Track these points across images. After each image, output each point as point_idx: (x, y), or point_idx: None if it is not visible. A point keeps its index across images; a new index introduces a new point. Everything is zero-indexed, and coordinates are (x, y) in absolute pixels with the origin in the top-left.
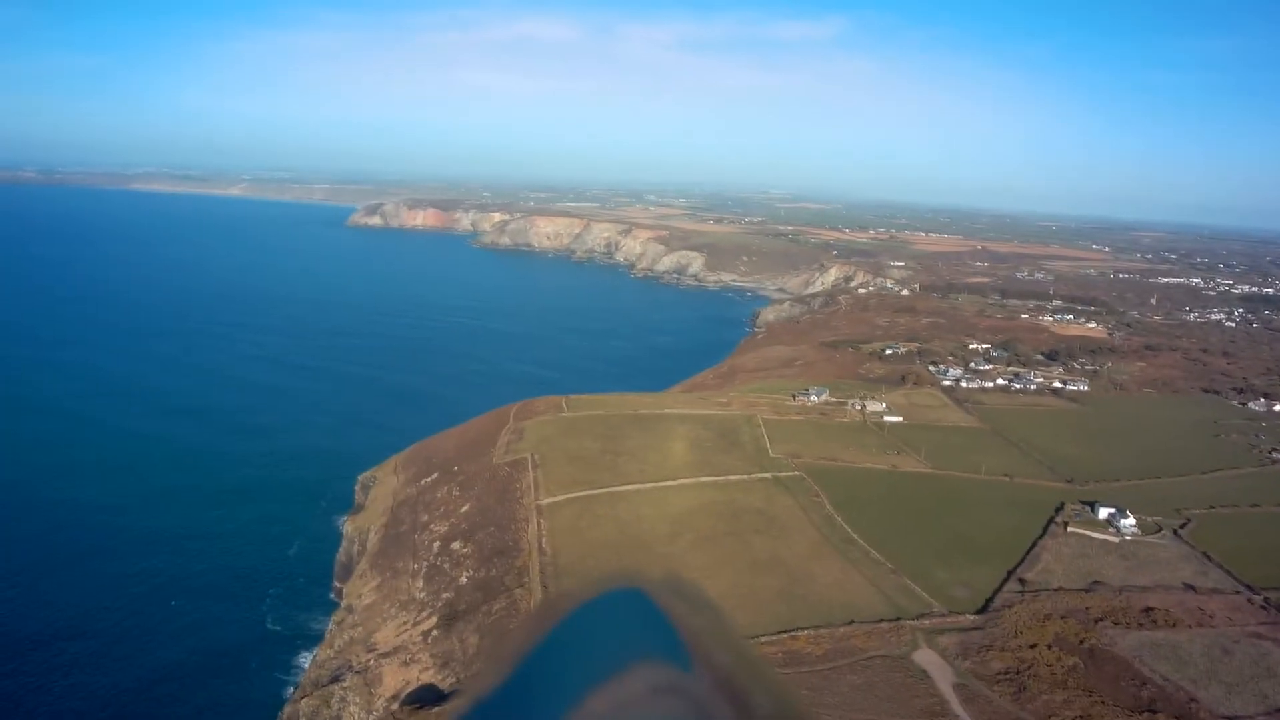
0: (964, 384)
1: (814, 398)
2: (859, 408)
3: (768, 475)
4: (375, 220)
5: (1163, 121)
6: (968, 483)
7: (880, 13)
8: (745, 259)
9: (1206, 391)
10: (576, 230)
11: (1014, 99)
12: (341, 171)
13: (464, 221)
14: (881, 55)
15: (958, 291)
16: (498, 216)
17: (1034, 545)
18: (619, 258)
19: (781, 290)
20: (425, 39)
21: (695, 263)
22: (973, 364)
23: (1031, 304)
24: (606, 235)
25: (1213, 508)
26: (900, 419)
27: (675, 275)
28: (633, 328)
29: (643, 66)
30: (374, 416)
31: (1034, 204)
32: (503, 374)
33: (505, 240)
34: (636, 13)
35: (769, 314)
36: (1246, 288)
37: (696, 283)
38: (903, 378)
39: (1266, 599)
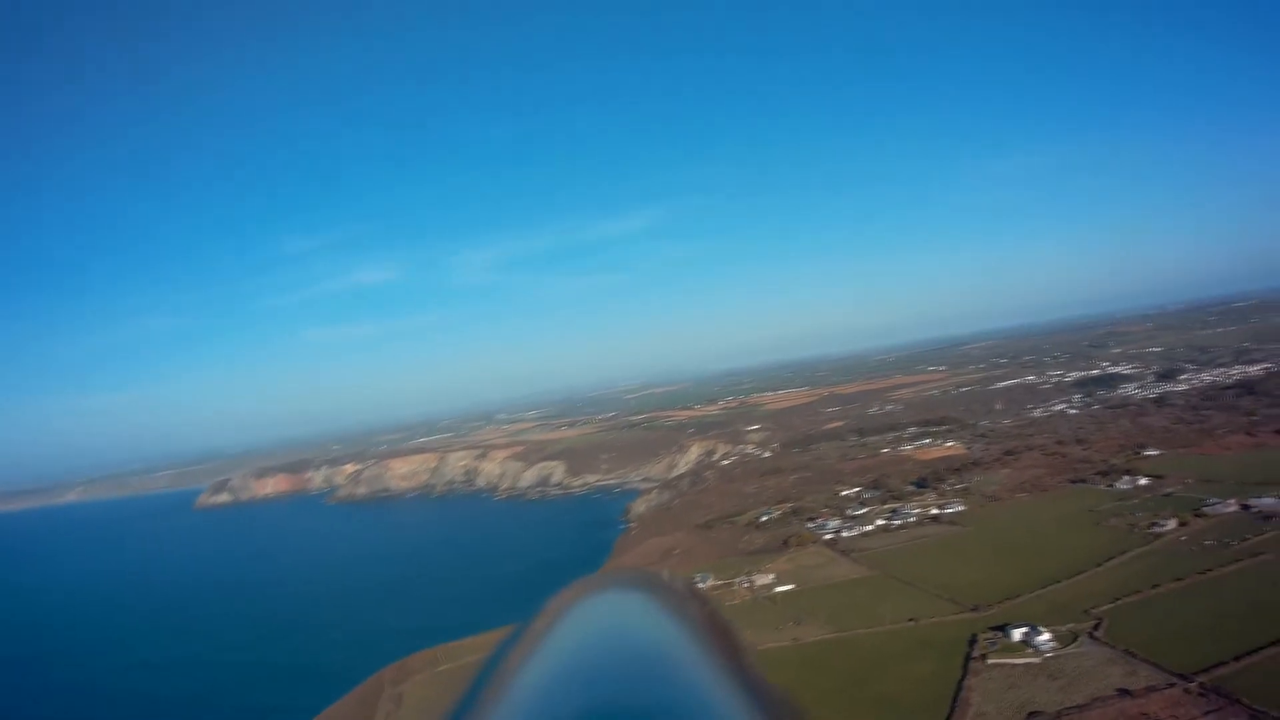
0: (845, 534)
1: (700, 585)
2: (747, 585)
3: None
4: (223, 498)
5: (972, 239)
6: (875, 637)
7: (689, 199)
8: (606, 456)
9: (1074, 482)
10: (432, 465)
11: (826, 244)
12: (190, 453)
13: (316, 480)
14: (696, 236)
15: (817, 441)
16: (350, 467)
17: (959, 689)
18: (480, 483)
19: (647, 479)
20: (264, 304)
21: (557, 471)
22: (848, 511)
23: (889, 436)
24: (463, 463)
25: (1118, 600)
26: (792, 586)
27: (540, 488)
28: (505, 551)
29: (474, 290)
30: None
31: (871, 340)
32: (373, 634)
33: (361, 490)
34: (461, 242)
35: (639, 506)
36: (1077, 374)
37: (562, 491)
38: (784, 542)
39: (1202, 685)
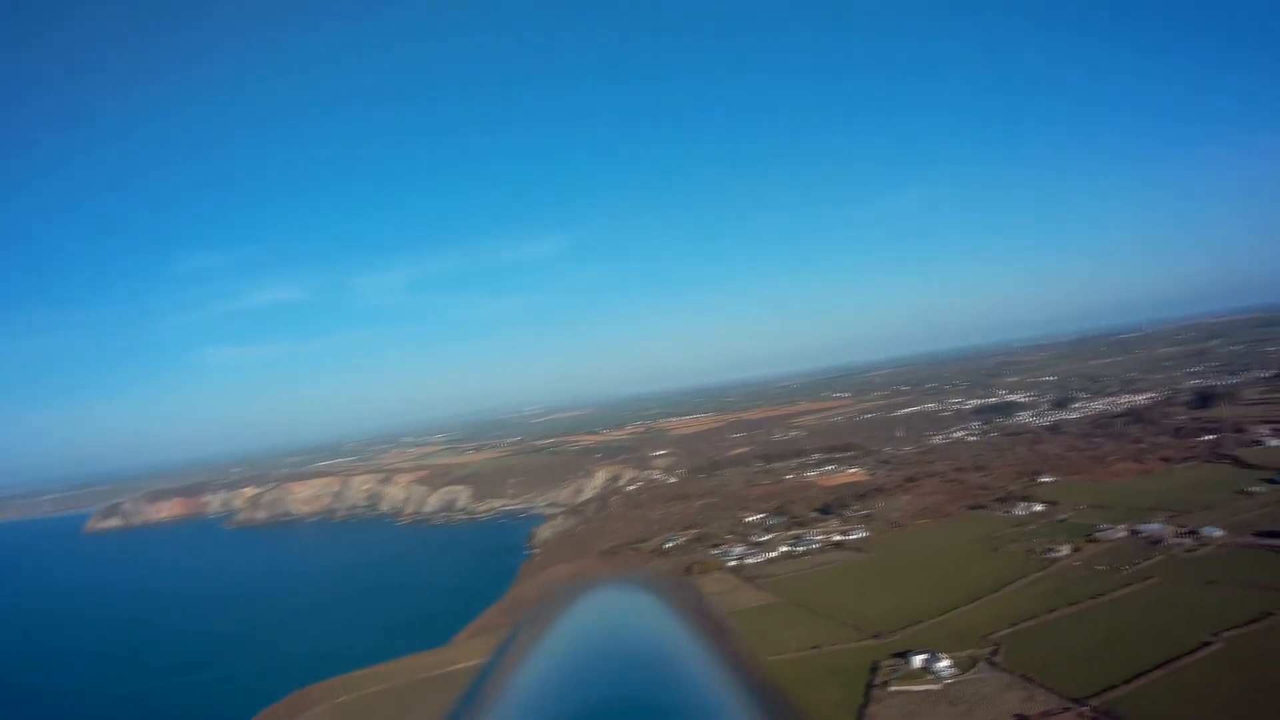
0: (749, 560)
1: None
2: None
3: None
4: (114, 522)
5: (874, 270)
6: (780, 665)
7: (601, 223)
8: (512, 481)
9: (972, 509)
10: (335, 489)
11: (734, 270)
12: (80, 475)
13: (214, 503)
14: (607, 260)
15: (723, 467)
16: (250, 491)
17: (861, 717)
18: (383, 508)
19: (553, 505)
20: (158, 323)
21: (462, 496)
22: (752, 537)
23: (794, 462)
24: (367, 487)
25: (1015, 625)
26: None
27: (444, 513)
28: (408, 578)
29: (381, 311)
30: None
31: (778, 367)
32: (270, 665)
33: (261, 514)
34: (369, 262)
35: (545, 532)
36: (976, 401)
37: (467, 516)
38: (687, 569)
39: (1094, 709)
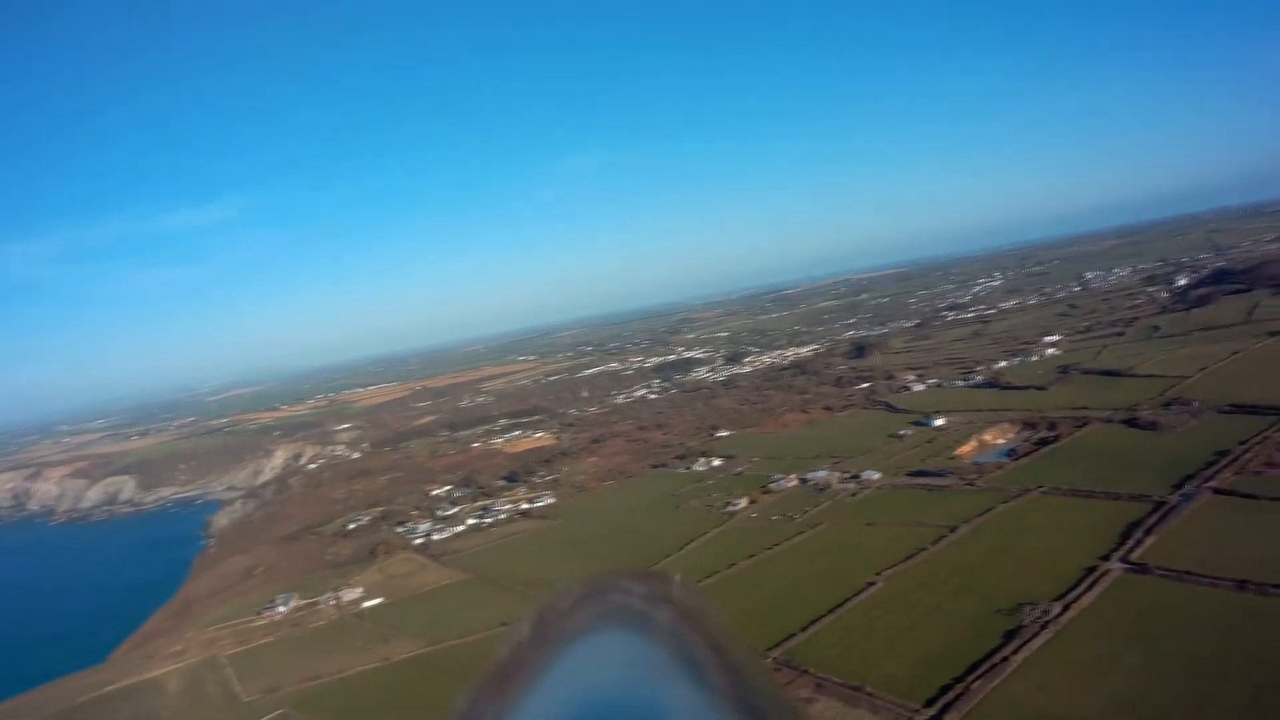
0: (436, 536)
1: (281, 608)
2: (334, 603)
3: None
4: None
5: (552, 235)
6: (468, 648)
7: (283, 184)
8: (184, 466)
9: (655, 467)
10: None
11: (416, 234)
12: None
13: None
14: (287, 224)
15: (409, 438)
16: None
17: None
18: (33, 507)
19: (231, 488)
20: None
21: (127, 487)
22: (439, 511)
23: (480, 430)
24: (10, 486)
25: (699, 582)
26: (381, 599)
27: (107, 507)
28: (61, 583)
29: (25, 287)
30: None
31: (464, 332)
32: None
33: None
34: (11, 229)
35: (222, 519)
36: (656, 360)
37: (133, 508)
38: (372, 551)
39: (775, 659)
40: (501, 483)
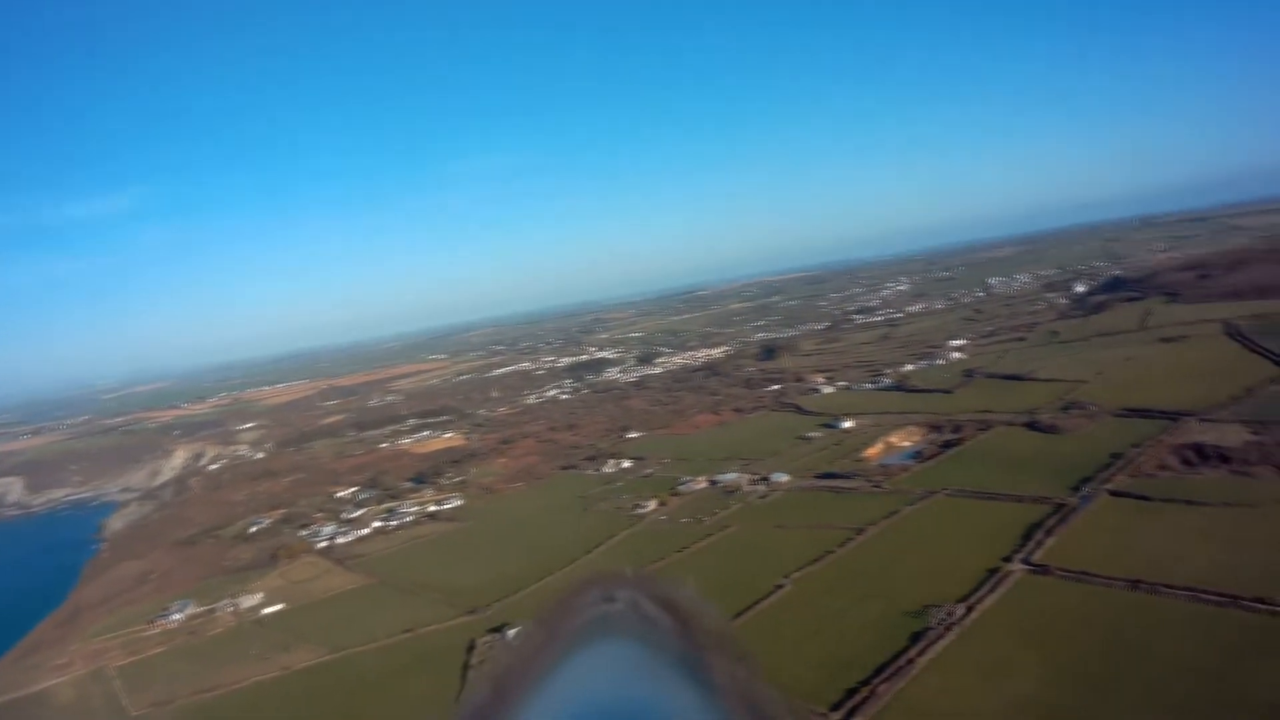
0: (340, 540)
1: (176, 615)
2: (232, 610)
3: None
4: None
5: (457, 236)
6: (371, 655)
7: (186, 177)
8: (77, 466)
9: (565, 469)
10: None
11: (320, 233)
12: None
13: None
14: (191, 217)
15: (314, 438)
16: None
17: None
18: None
19: (127, 490)
20: None
21: (15, 488)
22: (344, 514)
23: (389, 430)
24: None
25: None
26: (282, 605)
27: None
28: None
29: None
30: None
31: (373, 329)
32: None
33: None
34: None
35: (116, 522)
36: (569, 360)
37: (21, 511)
38: (273, 555)
39: None
40: (409, 484)
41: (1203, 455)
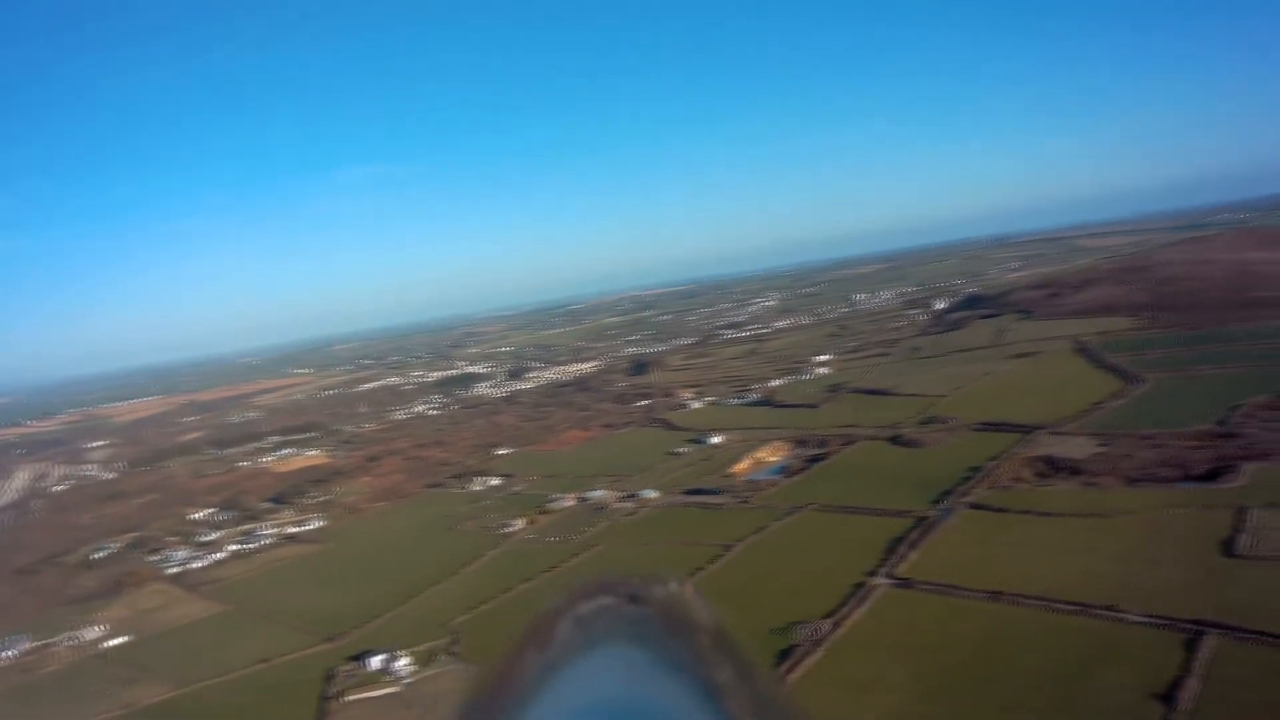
0: (194, 565)
1: (10, 652)
2: (72, 643)
3: None
4: None
5: (327, 247)
6: (223, 688)
7: (41, 183)
8: None
9: (432, 487)
10: None
11: (178, 246)
12: None
13: None
14: (41, 226)
15: (170, 457)
16: None
17: None
18: None
19: None
20: None
21: None
22: (199, 537)
23: (250, 447)
24: None
25: (472, 609)
26: (128, 637)
27: None
28: None
29: None
30: None
31: (236, 342)
32: None
33: None
34: None
35: None
36: (438, 374)
37: None
38: (119, 583)
39: None
40: (268, 505)
41: (1055, 467)
